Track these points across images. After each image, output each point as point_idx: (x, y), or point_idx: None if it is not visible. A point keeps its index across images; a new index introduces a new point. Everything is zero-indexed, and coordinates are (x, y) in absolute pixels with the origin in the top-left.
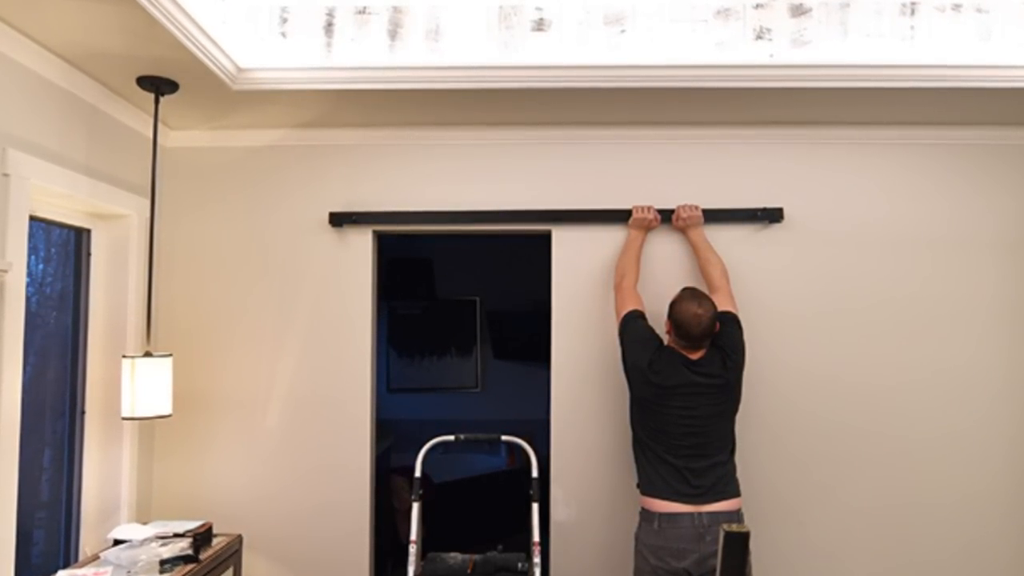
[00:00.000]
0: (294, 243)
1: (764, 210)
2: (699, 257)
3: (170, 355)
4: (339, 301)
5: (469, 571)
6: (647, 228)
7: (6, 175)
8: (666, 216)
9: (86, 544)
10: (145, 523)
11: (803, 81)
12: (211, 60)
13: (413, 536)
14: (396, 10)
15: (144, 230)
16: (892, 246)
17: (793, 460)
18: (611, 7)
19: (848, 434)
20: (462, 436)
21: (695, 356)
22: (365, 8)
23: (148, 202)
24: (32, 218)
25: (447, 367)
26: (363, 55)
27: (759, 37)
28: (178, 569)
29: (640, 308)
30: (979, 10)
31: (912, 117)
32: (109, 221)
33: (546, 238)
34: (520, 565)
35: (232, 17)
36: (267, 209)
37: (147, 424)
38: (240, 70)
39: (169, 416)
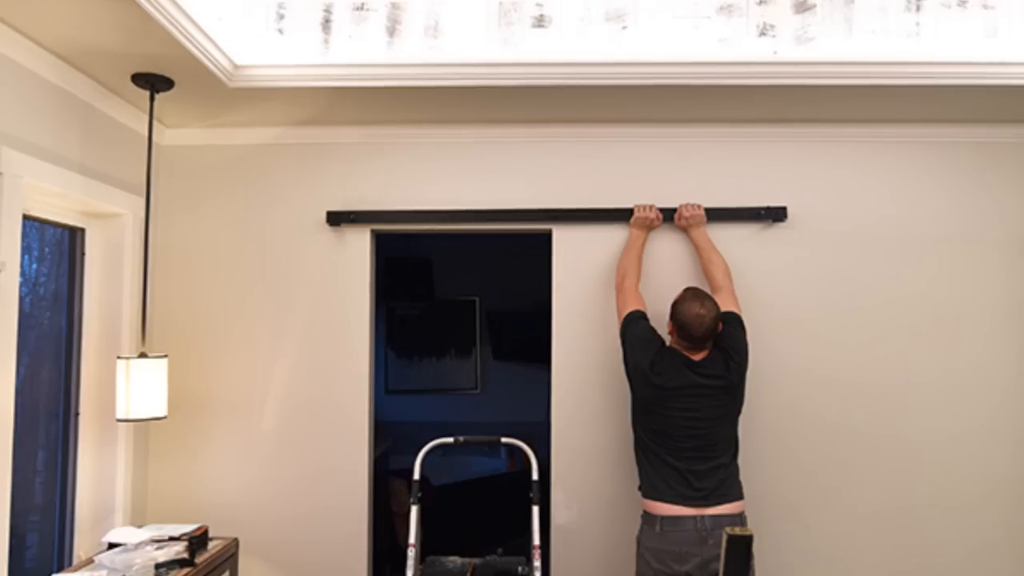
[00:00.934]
0: (291, 242)
1: (768, 209)
2: (701, 257)
3: (165, 356)
4: (337, 301)
5: (469, 575)
6: (649, 227)
7: None
8: (668, 215)
9: (80, 548)
10: (140, 526)
11: (807, 78)
12: (207, 57)
13: (412, 540)
14: (394, 6)
15: (139, 229)
16: (898, 245)
17: (797, 462)
18: (612, 3)
19: (853, 436)
20: (461, 438)
21: (698, 357)
22: (363, 4)
23: (143, 201)
24: (26, 217)
25: (446, 368)
26: (361, 52)
27: (762, 34)
28: (173, 573)
29: (642, 308)
30: (985, 6)
31: (918, 115)
32: (104, 220)
33: (547, 237)
34: (520, 569)
35: (228, 13)
36: (264, 208)
37: (142, 426)
38: (236, 67)
39: (164, 418)
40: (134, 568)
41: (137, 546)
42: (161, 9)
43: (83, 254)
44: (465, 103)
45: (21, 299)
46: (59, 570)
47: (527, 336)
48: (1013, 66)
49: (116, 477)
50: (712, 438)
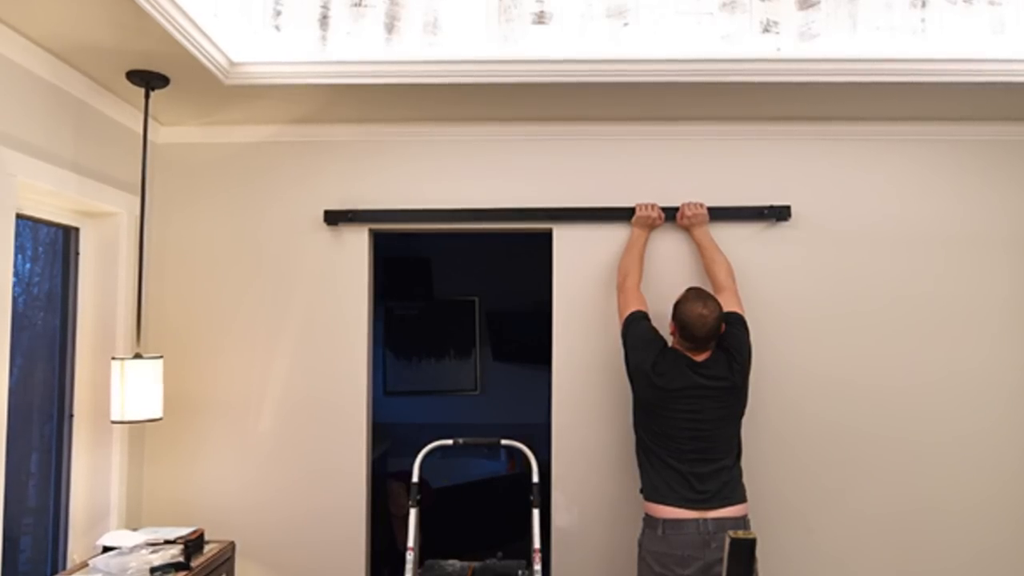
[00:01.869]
0: (288, 242)
1: (771, 208)
2: (704, 256)
3: (161, 357)
4: (334, 301)
5: None
6: (651, 226)
7: None
8: (670, 214)
9: (74, 551)
10: (135, 529)
11: (811, 75)
12: (203, 54)
13: (410, 543)
14: (393, 2)
15: (134, 228)
16: (903, 245)
17: (801, 465)
18: None
19: (858, 438)
20: (461, 440)
21: (700, 358)
22: (361, 1)
23: (138, 200)
24: (19, 216)
25: (445, 369)
26: (359, 49)
27: (766, 30)
28: None
29: (643, 309)
30: (991, 2)
31: (923, 112)
32: (98, 219)
33: (547, 237)
34: (520, 572)
35: (224, 10)
36: (260, 207)
37: (137, 428)
38: (232, 64)
39: (160, 420)
40: (129, 572)
41: (132, 549)
42: (156, 5)
43: (77, 253)
44: (464, 101)
45: (14, 299)
46: (53, 574)
47: (527, 337)
48: (1020, 63)
49: (111, 479)
50: (715, 440)
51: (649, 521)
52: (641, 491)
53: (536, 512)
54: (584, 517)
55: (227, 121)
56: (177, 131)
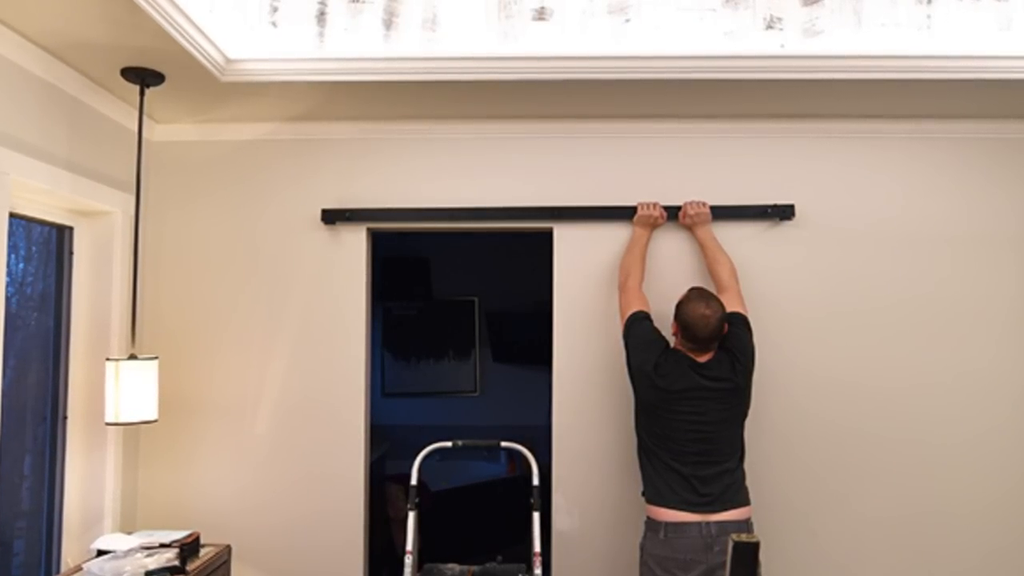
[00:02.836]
0: (285, 241)
1: (775, 207)
2: (707, 256)
3: (156, 358)
4: (332, 302)
5: None
6: (653, 225)
7: None
8: (672, 213)
9: (68, 555)
10: (129, 533)
11: (815, 72)
12: (198, 50)
13: (409, 546)
14: None
15: (129, 228)
16: (909, 244)
17: (805, 467)
18: None
19: (863, 440)
20: (460, 442)
21: (703, 359)
22: None
23: (133, 198)
24: (12, 215)
25: (444, 370)
26: (357, 45)
27: (769, 27)
28: None
29: (645, 309)
30: None
31: (929, 110)
32: (92, 218)
33: (547, 236)
34: None
35: (220, 6)
36: (257, 206)
37: (132, 430)
38: (229, 61)
39: (155, 421)
40: None
41: (127, 553)
42: (151, 1)
43: (71, 253)
44: (464, 98)
45: (7, 299)
46: None
47: (527, 337)
48: None
49: (105, 482)
50: (718, 442)
51: (651, 524)
52: (643, 494)
53: (536, 515)
54: (585, 520)
55: (223, 119)
56: (172, 129)
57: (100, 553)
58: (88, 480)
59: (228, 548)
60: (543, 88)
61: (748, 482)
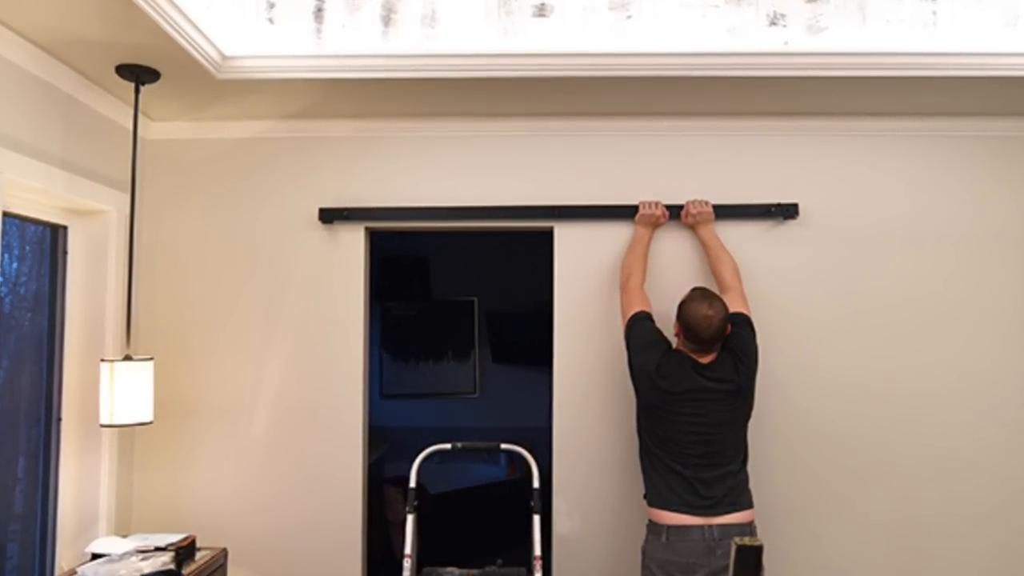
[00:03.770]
0: (282, 241)
1: (778, 206)
2: (709, 255)
3: (151, 359)
4: (330, 302)
5: None
6: (655, 225)
7: None
8: (674, 212)
9: (62, 558)
10: (125, 536)
11: (819, 70)
12: (194, 47)
13: (408, 550)
14: None
15: (124, 227)
16: (913, 243)
17: (809, 470)
18: None
19: (867, 442)
20: (459, 444)
21: (705, 360)
22: None
23: (128, 197)
24: (5, 214)
25: (443, 371)
26: (355, 42)
27: (773, 23)
28: None
29: (647, 309)
30: None
31: (934, 107)
32: (87, 217)
33: (548, 235)
34: None
35: (217, 2)
36: (254, 205)
37: (127, 432)
38: (225, 58)
39: (150, 423)
40: None
41: (122, 556)
42: None
43: (65, 253)
44: (463, 96)
45: (1, 300)
46: None
47: (527, 338)
48: None
49: (100, 485)
50: (720, 444)
51: (653, 527)
52: (645, 496)
53: (537, 518)
54: (586, 523)
55: (219, 117)
56: (168, 127)
57: (95, 557)
58: (83, 483)
59: (224, 551)
60: (544, 85)
61: (751, 485)
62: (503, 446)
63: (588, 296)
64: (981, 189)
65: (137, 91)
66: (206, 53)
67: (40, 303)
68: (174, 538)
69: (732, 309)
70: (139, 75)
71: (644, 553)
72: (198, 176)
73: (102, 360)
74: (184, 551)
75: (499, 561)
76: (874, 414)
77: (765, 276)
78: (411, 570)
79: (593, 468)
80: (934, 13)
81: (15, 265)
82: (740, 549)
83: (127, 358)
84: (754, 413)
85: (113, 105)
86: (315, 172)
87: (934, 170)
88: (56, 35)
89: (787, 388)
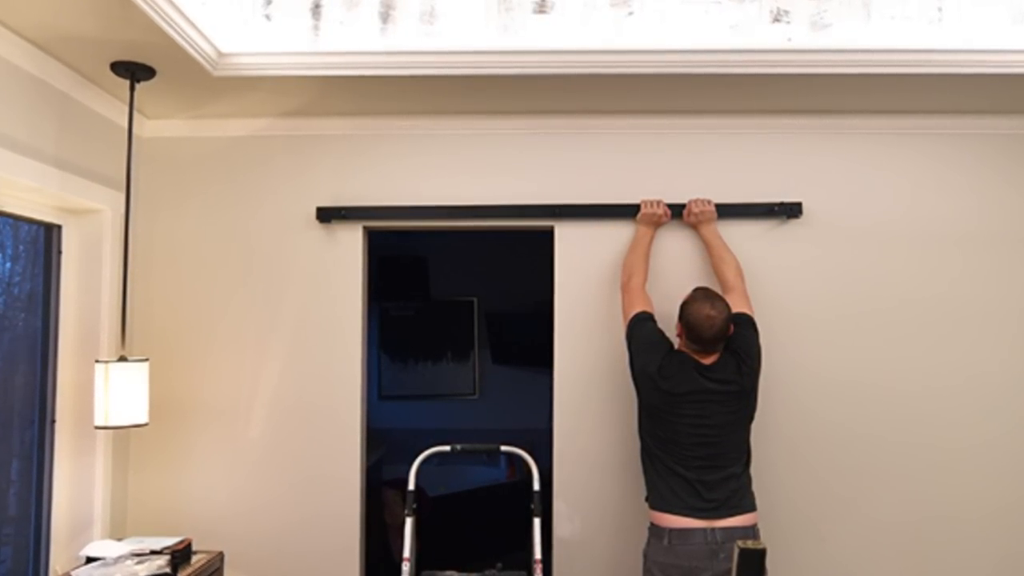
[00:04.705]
0: (279, 240)
1: (782, 205)
2: (712, 255)
3: (146, 360)
4: (327, 302)
5: None
6: (656, 224)
7: None
8: (677, 211)
9: (56, 562)
10: (119, 539)
11: (823, 67)
12: (190, 44)
13: (407, 553)
14: None
15: (119, 226)
16: (919, 243)
17: (813, 472)
18: None
19: (872, 444)
20: (459, 446)
21: (708, 361)
22: None
23: (123, 196)
24: None
25: (442, 372)
26: (353, 39)
27: (776, 19)
28: None
29: (649, 309)
30: None
31: (940, 105)
32: (81, 216)
33: (548, 235)
34: None
35: None
36: (250, 204)
37: (122, 434)
38: (221, 55)
39: (145, 425)
40: None
41: (116, 560)
42: None
43: (59, 252)
44: (463, 93)
45: None
46: None
47: (528, 339)
48: None
49: (94, 487)
50: (723, 446)
51: (654, 531)
52: (646, 499)
53: (537, 521)
54: (587, 526)
55: (215, 114)
56: (164, 125)
57: (89, 560)
58: (77, 485)
59: (221, 555)
60: (544, 83)
61: (754, 487)
62: (503, 448)
63: (589, 296)
64: (987, 188)
65: (132, 88)
66: (202, 50)
67: (34, 303)
68: (170, 541)
69: (735, 309)
70: (134, 72)
71: (646, 556)
72: (194, 174)
73: (97, 361)
74: (180, 555)
75: (499, 565)
76: (879, 416)
77: (768, 276)
78: (410, 574)
79: (594, 470)
80: (940, 9)
81: (8, 265)
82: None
83: (122, 359)
84: (757, 414)
85: (108, 103)
86: (313, 170)
87: (940, 169)
88: (50, 32)
89: (790, 389)
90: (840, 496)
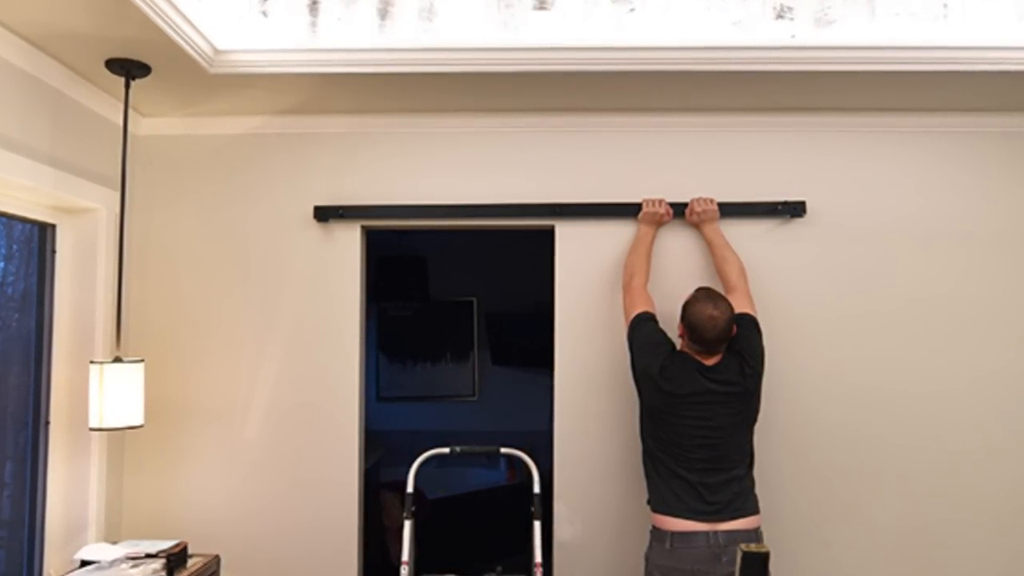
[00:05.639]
0: (276, 239)
1: (785, 204)
2: (715, 255)
3: (142, 361)
4: (325, 302)
5: None
6: (658, 223)
7: None
8: (679, 210)
9: (50, 566)
10: (114, 542)
11: (827, 64)
12: (186, 41)
13: (405, 557)
14: None
15: (114, 225)
16: (924, 242)
17: (816, 474)
18: None
19: (876, 446)
20: (458, 448)
21: (710, 362)
22: None
23: (118, 195)
24: None
25: (441, 374)
26: (351, 36)
27: (780, 16)
28: None
29: (651, 310)
30: None
31: (945, 103)
32: (76, 215)
33: (549, 234)
34: None
35: None
36: (247, 202)
37: (117, 436)
38: (217, 52)
39: (141, 427)
40: None
41: (111, 564)
42: None
43: (54, 252)
44: (462, 90)
45: None
46: None
47: (528, 339)
48: None
49: (89, 490)
50: (725, 448)
51: (656, 534)
52: (648, 502)
53: (537, 524)
54: (588, 529)
55: (212, 112)
56: (159, 122)
57: (84, 564)
58: (71, 488)
59: (217, 558)
60: (544, 80)
61: (757, 489)
62: (503, 450)
63: (590, 296)
64: (993, 186)
65: (127, 86)
66: (198, 47)
67: (28, 303)
68: (165, 544)
69: (738, 310)
70: (129, 69)
71: (647, 560)
72: (190, 173)
73: (91, 362)
74: (175, 558)
75: (499, 568)
76: (884, 417)
77: (772, 276)
78: None
79: (595, 473)
80: (945, 6)
81: (2, 264)
82: (746, 556)
83: (117, 360)
84: (760, 416)
85: (103, 100)
86: (310, 169)
87: (945, 167)
88: (44, 28)
89: (794, 390)
90: (844, 499)
